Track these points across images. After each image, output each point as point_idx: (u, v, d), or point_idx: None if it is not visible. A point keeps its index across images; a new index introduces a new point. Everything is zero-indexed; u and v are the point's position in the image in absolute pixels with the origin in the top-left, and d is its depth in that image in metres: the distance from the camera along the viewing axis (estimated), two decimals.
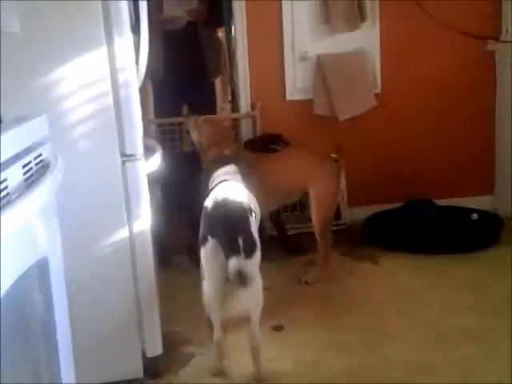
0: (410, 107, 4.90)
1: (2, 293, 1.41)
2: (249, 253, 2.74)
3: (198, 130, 3.99)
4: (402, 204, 4.72)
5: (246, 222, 2.86)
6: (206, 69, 5.08)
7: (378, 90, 4.87)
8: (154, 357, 2.99)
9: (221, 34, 5.44)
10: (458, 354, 3.02)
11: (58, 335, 1.86)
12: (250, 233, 2.83)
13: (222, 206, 2.88)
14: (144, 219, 2.86)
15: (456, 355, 3.01)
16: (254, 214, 2.97)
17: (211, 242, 2.79)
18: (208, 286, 2.87)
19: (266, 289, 3.07)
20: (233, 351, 3.05)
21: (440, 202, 4.72)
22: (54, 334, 1.85)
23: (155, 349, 2.99)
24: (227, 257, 2.70)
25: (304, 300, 3.71)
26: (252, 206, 3.01)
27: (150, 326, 2.95)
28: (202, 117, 4.06)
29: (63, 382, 1.89)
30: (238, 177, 3.32)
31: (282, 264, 4.22)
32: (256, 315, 2.89)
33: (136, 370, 2.94)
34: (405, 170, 4.89)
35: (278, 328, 3.41)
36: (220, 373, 3.00)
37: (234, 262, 2.67)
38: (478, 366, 2.90)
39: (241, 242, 2.72)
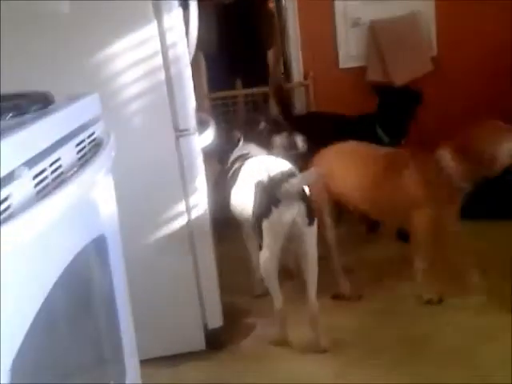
0: (467, 70, 4.80)
1: (62, 269, 1.44)
2: (310, 219, 2.88)
3: None
4: None
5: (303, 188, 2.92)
6: (259, 40, 5.05)
7: (434, 53, 4.79)
8: (216, 328, 3.03)
9: (271, 4, 5.40)
10: None
11: (118, 310, 1.90)
12: (310, 200, 2.93)
13: (278, 176, 2.90)
14: (200, 193, 2.88)
15: None
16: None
17: (276, 212, 2.83)
18: (268, 255, 2.91)
19: (322, 258, 3.12)
20: (293, 321, 3.05)
21: None
22: (115, 309, 1.88)
23: (216, 320, 3.03)
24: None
25: (362, 268, 3.69)
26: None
27: (210, 298, 2.99)
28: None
29: (125, 355, 1.93)
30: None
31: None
32: (313, 278, 2.95)
33: (198, 341, 3.00)
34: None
35: (337, 297, 3.41)
36: (282, 342, 3.03)
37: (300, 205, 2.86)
38: None
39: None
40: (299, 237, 2.90)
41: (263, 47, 5.15)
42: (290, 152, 3.55)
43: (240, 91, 4.82)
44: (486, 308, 3.14)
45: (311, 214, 2.89)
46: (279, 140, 3.52)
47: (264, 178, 2.94)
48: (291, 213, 2.84)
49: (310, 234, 2.91)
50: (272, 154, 3.39)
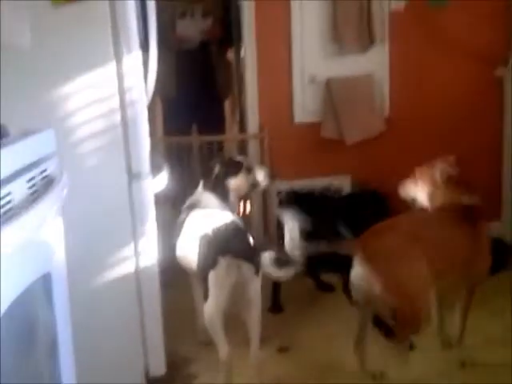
0: (418, 131, 4.88)
1: (5, 306, 1.40)
2: (257, 267, 2.93)
3: None
4: None
5: (246, 235, 3.04)
6: (216, 88, 5.12)
7: (387, 114, 4.87)
8: (158, 376, 2.98)
9: (230, 54, 5.47)
10: None
11: (60, 350, 1.85)
12: (253, 245, 3.03)
13: (223, 228, 3.03)
14: (150, 238, 2.85)
15: None
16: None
17: (222, 263, 2.89)
18: (213, 306, 2.92)
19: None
20: (239, 371, 3.03)
21: None
22: (57, 349, 1.84)
23: (159, 368, 2.98)
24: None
25: (309, 321, 3.68)
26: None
27: (153, 346, 2.94)
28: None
29: None
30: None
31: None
32: (256, 327, 2.98)
33: None
34: None
35: (283, 349, 3.40)
36: None
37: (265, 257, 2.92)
38: None
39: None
40: (244, 285, 2.92)
41: (221, 95, 5.21)
42: (252, 190, 3.63)
43: (195, 138, 4.83)
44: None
45: (257, 262, 2.92)
46: (235, 182, 3.51)
47: (208, 230, 3.02)
48: (238, 263, 2.89)
49: (256, 283, 2.94)
50: (228, 198, 3.45)
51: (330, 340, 3.49)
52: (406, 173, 4.77)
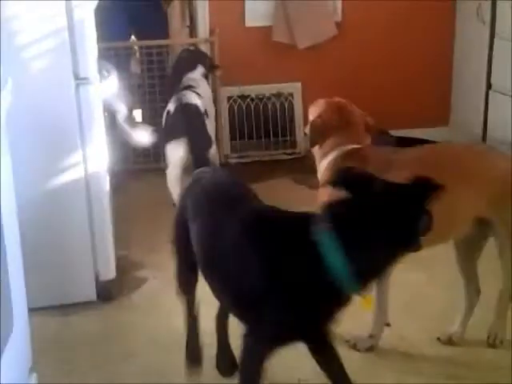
0: (370, 37, 4.86)
1: None
2: (207, 147, 3.45)
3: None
4: None
5: (202, 121, 3.49)
6: None
7: (339, 18, 4.83)
8: (107, 280, 3.02)
9: None
10: None
11: (8, 258, 1.86)
12: (206, 130, 3.50)
13: (182, 109, 3.47)
14: (98, 143, 2.85)
15: None
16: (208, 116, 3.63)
17: (175, 140, 3.38)
18: (171, 171, 3.47)
19: None
20: None
21: (396, 133, 4.73)
22: (4, 257, 1.85)
23: (108, 272, 3.03)
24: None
25: None
26: (207, 109, 3.66)
27: (103, 250, 2.98)
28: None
29: (14, 304, 1.90)
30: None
31: None
32: None
33: (89, 293, 2.99)
34: (362, 99, 4.78)
35: None
36: None
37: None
38: None
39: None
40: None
41: (162, 2, 4.96)
42: None
43: (135, 42, 4.71)
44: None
45: (206, 142, 3.46)
46: None
47: (172, 107, 3.49)
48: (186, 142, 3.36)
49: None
50: None
51: None
52: (357, 80, 4.83)
